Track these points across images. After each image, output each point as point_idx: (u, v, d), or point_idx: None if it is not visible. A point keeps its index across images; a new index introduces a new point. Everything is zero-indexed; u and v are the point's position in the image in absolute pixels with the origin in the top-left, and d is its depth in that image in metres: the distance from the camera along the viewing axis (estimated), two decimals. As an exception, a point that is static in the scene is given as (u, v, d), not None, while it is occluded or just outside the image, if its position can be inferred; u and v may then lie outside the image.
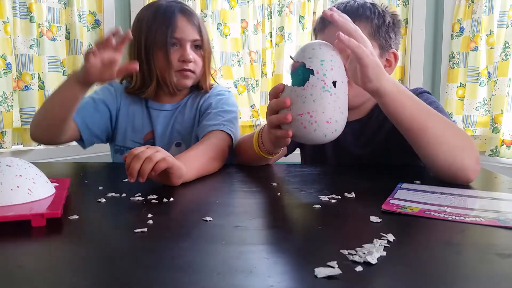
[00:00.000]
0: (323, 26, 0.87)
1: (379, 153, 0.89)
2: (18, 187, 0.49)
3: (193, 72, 0.98)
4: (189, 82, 0.99)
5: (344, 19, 0.63)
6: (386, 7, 0.89)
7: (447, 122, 0.68)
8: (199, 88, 1.04)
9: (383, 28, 0.85)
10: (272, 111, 0.63)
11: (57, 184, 0.58)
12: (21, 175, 0.50)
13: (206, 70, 1.02)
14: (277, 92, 0.63)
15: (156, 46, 0.94)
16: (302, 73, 0.59)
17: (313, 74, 0.58)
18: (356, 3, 0.86)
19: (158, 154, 0.62)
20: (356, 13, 0.84)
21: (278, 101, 0.62)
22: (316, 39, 0.92)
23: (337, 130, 0.61)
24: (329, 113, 0.58)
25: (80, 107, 0.93)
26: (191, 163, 0.71)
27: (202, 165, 0.75)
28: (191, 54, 0.96)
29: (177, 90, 1.00)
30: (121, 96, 1.03)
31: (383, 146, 0.88)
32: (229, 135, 0.90)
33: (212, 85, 1.08)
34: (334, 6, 0.87)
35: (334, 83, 0.58)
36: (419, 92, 0.89)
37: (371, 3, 0.87)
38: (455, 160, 0.64)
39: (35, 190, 0.50)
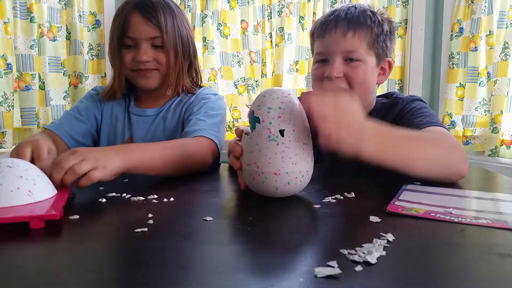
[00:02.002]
0: (324, 32, 0.86)
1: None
2: (18, 188, 0.48)
3: (157, 70, 0.92)
4: (150, 82, 0.93)
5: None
6: (383, 14, 0.88)
7: (433, 143, 0.67)
8: (185, 90, 0.98)
9: (381, 37, 0.85)
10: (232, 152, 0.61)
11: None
12: (21, 176, 0.50)
13: (179, 69, 0.94)
14: (238, 136, 0.60)
15: (116, 46, 0.91)
16: (252, 121, 0.56)
17: (259, 123, 0.54)
18: (356, 11, 0.85)
19: (82, 165, 0.56)
20: (357, 22, 0.83)
21: (231, 146, 0.60)
22: (313, 43, 0.92)
23: (290, 183, 0.55)
24: (277, 164, 0.54)
25: (63, 121, 0.94)
26: (133, 154, 0.66)
27: (149, 160, 0.69)
28: (147, 53, 0.89)
29: (144, 90, 0.97)
30: (103, 100, 1.01)
31: None
32: (212, 140, 0.83)
33: (200, 87, 1.02)
34: (336, 10, 0.86)
35: (281, 132, 0.53)
36: (410, 100, 0.88)
37: (371, 11, 0.86)
38: (447, 171, 0.66)
39: (36, 192, 0.49)
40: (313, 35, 0.91)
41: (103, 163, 0.60)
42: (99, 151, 0.63)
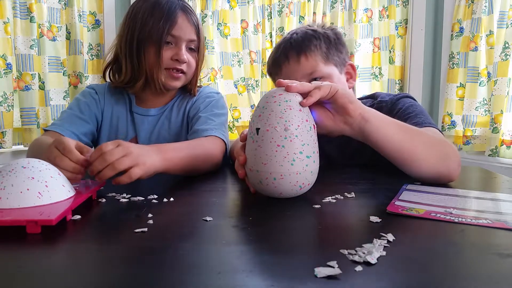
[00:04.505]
0: (279, 67, 0.89)
1: (368, 165, 0.87)
2: (28, 190, 0.47)
3: (184, 73, 0.94)
4: (178, 84, 0.95)
5: (298, 84, 0.57)
6: (323, 26, 0.91)
7: (430, 135, 0.68)
8: (187, 90, 1.00)
9: (331, 47, 0.87)
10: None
11: (78, 186, 0.56)
12: (33, 178, 0.49)
13: (198, 73, 0.99)
14: (242, 141, 0.63)
15: (150, 40, 0.89)
16: None
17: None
18: (299, 36, 0.88)
19: (124, 161, 0.57)
20: (303, 45, 0.86)
21: (236, 153, 0.62)
22: (274, 81, 0.93)
23: (262, 182, 0.55)
24: (250, 160, 0.56)
25: (66, 121, 0.92)
26: (168, 155, 0.67)
27: (179, 160, 0.70)
28: (186, 54, 0.92)
29: (164, 89, 0.95)
30: (104, 99, 0.99)
31: (371, 159, 0.87)
32: (222, 139, 0.87)
33: (200, 86, 1.04)
34: (281, 43, 0.90)
35: (257, 130, 0.55)
36: (395, 100, 0.88)
37: (312, 30, 0.88)
38: (442, 168, 0.65)
39: (46, 194, 0.48)
40: (271, 74, 0.94)
41: (144, 160, 0.60)
42: (141, 148, 0.63)
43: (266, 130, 0.54)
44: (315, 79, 0.84)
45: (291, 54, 0.87)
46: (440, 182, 0.66)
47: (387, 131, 0.62)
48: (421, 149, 0.65)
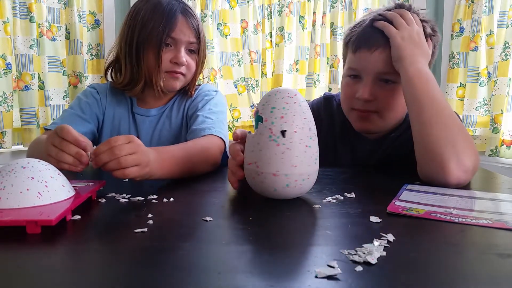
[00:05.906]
0: (359, 47, 0.78)
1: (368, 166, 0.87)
2: (28, 190, 0.47)
3: (183, 75, 0.94)
4: (177, 85, 0.95)
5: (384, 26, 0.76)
6: (425, 16, 0.80)
7: (461, 125, 0.67)
8: (185, 91, 1.00)
9: None
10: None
11: (78, 186, 0.56)
12: (33, 178, 0.48)
13: (197, 75, 0.98)
14: (235, 139, 0.61)
15: (149, 43, 0.89)
16: (256, 120, 0.55)
17: (262, 122, 0.54)
18: (391, 14, 0.78)
19: (129, 159, 0.58)
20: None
21: (232, 147, 0.60)
22: (346, 53, 0.85)
23: (289, 185, 0.53)
24: (276, 165, 0.53)
25: (67, 120, 0.90)
26: (167, 163, 0.67)
27: (176, 166, 0.69)
28: (185, 57, 0.92)
29: (162, 92, 0.94)
30: (105, 99, 0.99)
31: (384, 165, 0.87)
32: (221, 138, 0.86)
33: (199, 85, 1.03)
34: (372, 21, 0.79)
35: (283, 133, 0.52)
36: None
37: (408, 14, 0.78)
38: (442, 154, 0.63)
39: (46, 194, 0.48)
40: (347, 44, 0.83)
41: (146, 162, 0.61)
42: (149, 150, 0.63)
43: (294, 131, 0.53)
44: (386, 81, 0.77)
45: (379, 42, 0.75)
46: (434, 178, 0.64)
47: (416, 84, 0.69)
48: (445, 117, 0.67)
